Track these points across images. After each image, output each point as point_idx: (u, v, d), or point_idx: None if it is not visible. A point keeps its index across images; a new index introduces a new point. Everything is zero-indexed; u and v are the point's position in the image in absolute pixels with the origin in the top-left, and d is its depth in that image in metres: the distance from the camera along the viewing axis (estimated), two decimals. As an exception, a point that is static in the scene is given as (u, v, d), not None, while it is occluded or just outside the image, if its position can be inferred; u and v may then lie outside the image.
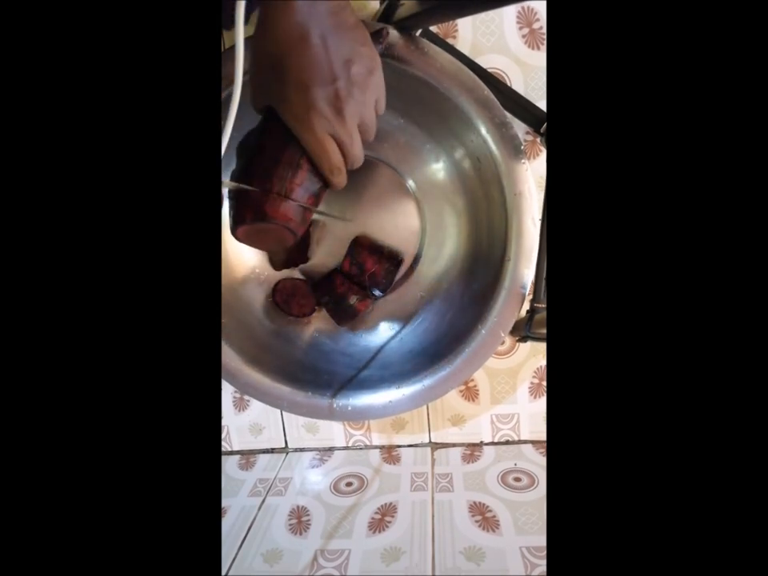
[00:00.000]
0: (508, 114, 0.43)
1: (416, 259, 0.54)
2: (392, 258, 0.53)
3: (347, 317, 0.53)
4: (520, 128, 0.48)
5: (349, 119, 0.30)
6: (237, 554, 0.48)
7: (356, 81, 0.29)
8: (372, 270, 0.52)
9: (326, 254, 0.54)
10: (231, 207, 0.31)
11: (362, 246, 0.52)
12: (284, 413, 0.63)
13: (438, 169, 0.51)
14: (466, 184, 0.50)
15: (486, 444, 0.61)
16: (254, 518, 0.52)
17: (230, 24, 0.28)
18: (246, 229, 0.31)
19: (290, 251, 0.53)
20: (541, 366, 0.58)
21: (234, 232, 0.32)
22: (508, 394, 0.59)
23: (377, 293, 0.53)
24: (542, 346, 0.56)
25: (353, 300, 0.52)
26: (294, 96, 0.28)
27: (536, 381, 0.59)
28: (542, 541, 0.44)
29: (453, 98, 0.42)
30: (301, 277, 0.55)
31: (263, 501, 0.55)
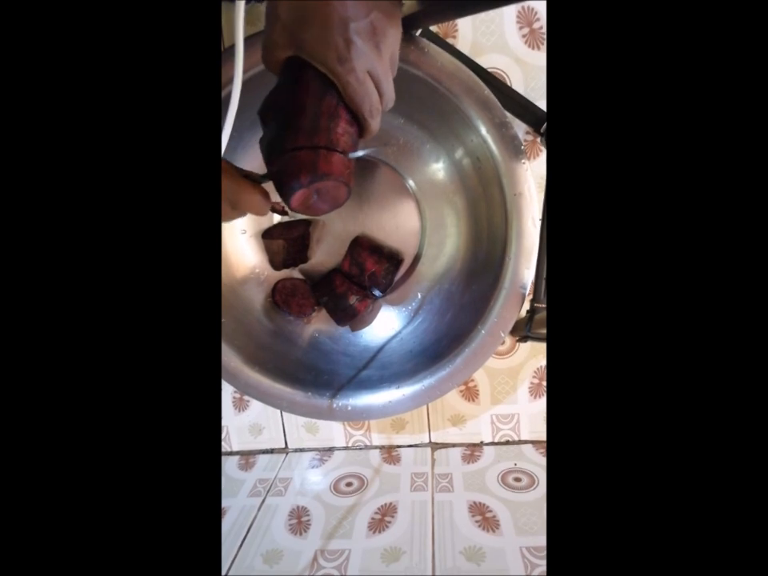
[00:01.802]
0: (508, 114, 0.43)
1: (416, 259, 0.54)
2: (392, 258, 0.53)
3: (347, 317, 0.53)
4: (520, 128, 0.48)
5: (384, 53, 0.28)
6: (237, 553, 0.48)
7: (388, 11, 0.28)
8: (372, 269, 0.52)
9: (325, 254, 0.54)
10: (278, 176, 0.29)
11: (362, 246, 0.52)
12: (284, 413, 0.63)
13: (438, 169, 0.51)
14: (466, 184, 0.50)
15: (486, 444, 0.61)
16: (254, 518, 0.52)
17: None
18: (302, 193, 0.29)
19: (289, 251, 0.53)
20: (541, 366, 0.58)
21: (288, 201, 0.29)
22: (508, 394, 0.59)
23: (376, 293, 0.53)
24: (542, 346, 0.56)
25: (353, 300, 0.52)
26: (334, 37, 0.27)
27: (536, 381, 0.58)
28: (541, 541, 0.44)
29: (453, 97, 0.42)
30: (301, 277, 0.55)
31: (263, 501, 0.55)
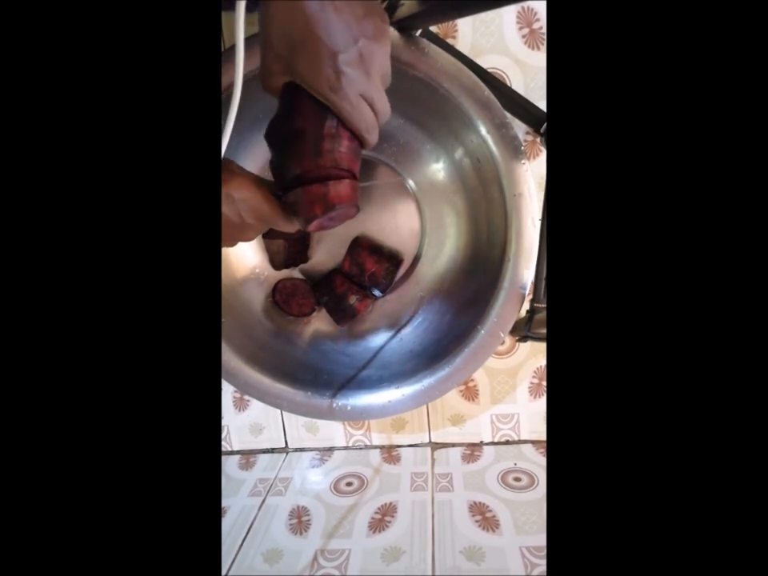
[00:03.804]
0: (508, 115, 0.43)
1: (416, 259, 0.54)
2: (392, 258, 0.53)
3: (347, 317, 0.53)
4: (520, 128, 0.48)
5: (374, 75, 0.30)
6: (237, 553, 0.48)
7: (374, 35, 0.29)
8: (372, 269, 0.52)
9: (326, 254, 0.54)
10: (293, 207, 0.32)
11: (362, 246, 0.53)
12: (284, 413, 0.63)
13: (438, 169, 0.51)
14: (465, 184, 0.50)
15: (486, 444, 0.61)
16: (254, 518, 0.52)
17: (228, 6, 0.27)
18: (318, 223, 0.32)
19: (289, 251, 0.53)
20: (541, 366, 0.58)
21: (306, 228, 0.32)
22: (508, 393, 0.59)
23: (376, 293, 0.54)
24: (542, 346, 0.56)
25: (352, 300, 0.52)
26: (324, 69, 0.28)
27: (536, 381, 0.59)
28: (541, 541, 0.44)
29: (453, 98, 0.42)
30: (301, 277, 0.55)
31: (263, 501, 0.55)
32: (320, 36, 0.27)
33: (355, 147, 0.31)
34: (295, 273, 0.55)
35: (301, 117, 0.30)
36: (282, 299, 0.54)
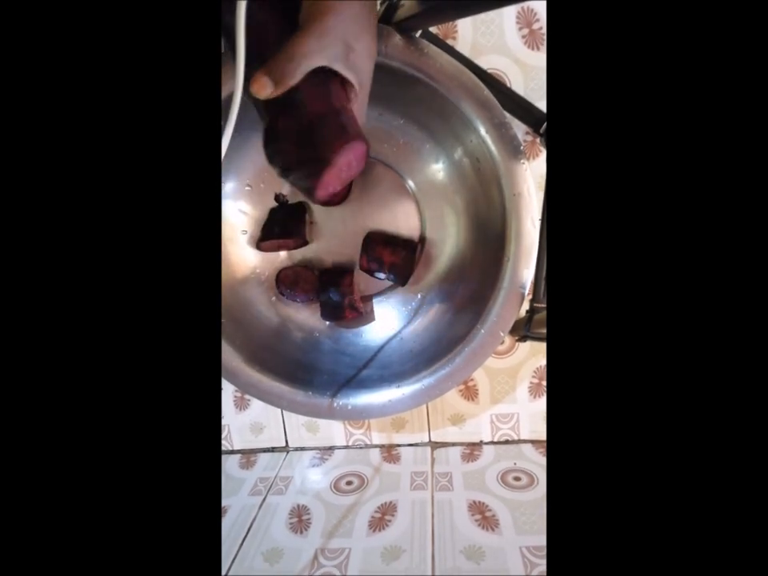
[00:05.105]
0: (508, 115, 0.43)
1: (416, 259, 0.54)
2: (407, 246, 0.53)
3: (333, 317, 0.54)
4: (520, 128, 0.48)
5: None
6: (237, 553, 0.48)
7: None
8: (391, 261, 0.52)
9: (326, 252, 0.54)
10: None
11: (376, 241, 0.52)
12: (284, 412, 0.63)
13: (438, 169, 0.51)
14: (465, 184, 0.50)
15: (486, 443, 0.61)
16: (255, 517, 0.52)
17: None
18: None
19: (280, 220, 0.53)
20: (541, 366, 0.58)
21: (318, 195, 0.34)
22: (508, 393, 0.59)
23: (401, 282, 0.53)
24: (542, 346, 0.56)
25: (346, 303, 0.52)
26: (373, 53, 0.33)
27: (536, 380, 0.59)
28: (542, 540, 0.44)
29: (452, 98, 0.42)
30: (298, 264, 0.55)
31: (264, 500, 0.55)
32: (371, 29, 0.32)
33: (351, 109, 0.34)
34: (289, 261, 0.55)
35: (323, 100, 0.32)
36: (287, 288, 0.54)
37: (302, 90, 0.31)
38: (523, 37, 0.49)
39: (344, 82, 0.33)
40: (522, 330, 0.49)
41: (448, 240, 0.53)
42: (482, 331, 0.47)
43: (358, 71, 0.33)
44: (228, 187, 0.51)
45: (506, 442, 0.61)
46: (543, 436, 0.60)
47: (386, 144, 0.50)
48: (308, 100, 0.31)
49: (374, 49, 0.33)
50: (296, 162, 0.33)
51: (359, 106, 0.34)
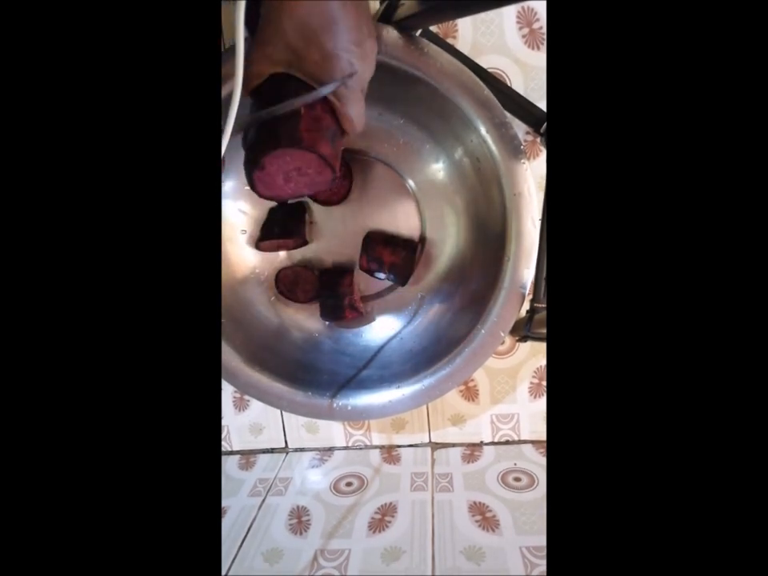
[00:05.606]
0: (508, 114, 0.43)
1: (416, 259, 0.54)
2: (407, 246, 0.53)
3: (333, 317, 0.54)
4: (520, 128, 0.48)
5: (368, 76, 0.33)
6: (237, 553, 0.48)
7: (374, 42, 0.32)
8: (391, 261, 0.52)
9: (326, 252, 0.54)
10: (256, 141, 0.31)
11: (376, 241, 0.52)
12: (284, 413, 0.63)
13: (438, 169, 0.51)
14: (465, 184, 0.50)
15: (486, 444, 0.61)
16: (254, 518, 0.52)
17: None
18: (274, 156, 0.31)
19: (278, 220, 0.52)
20: (541, 366, 0.58)
21: (256, 170, 0.32)
22: (508, 393, 0.59)
23: (401, 282, 0.53)
24: (542, 346, 0.56)
25: (346, 303, 0.52)
26: (340, 59, 0.30)
27: (536, 381, 0.59)
28: (542, 541, 0.44)
29: (453, 98, 0.42)
30: (297, 264, 0.55)
31: (263, 501, 0.55)
32: (341, 28, 0.29)
33: (335, 131, 0.33)
34: (289, 261, 0.55)
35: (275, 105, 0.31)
36: (287, 288, 0.54)
37: (263, 92, 0.31)
38: (523, 36, 0.49)
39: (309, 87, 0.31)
40: (522, 330, 0.49)
41: (448, 240, 0.53)
42: (483, 331, 0.47)
43: (325, 72, 0.30)
44: (228, 187, 0.51)
45: (507, 442, 0.61)
46: (543, 436, 0.60)
47: (386, 144, 0.50)
48: (264, 105, 0.31)
49: (352, 44, 0.30)
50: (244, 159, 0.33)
51: (344, 105, 0.32)
